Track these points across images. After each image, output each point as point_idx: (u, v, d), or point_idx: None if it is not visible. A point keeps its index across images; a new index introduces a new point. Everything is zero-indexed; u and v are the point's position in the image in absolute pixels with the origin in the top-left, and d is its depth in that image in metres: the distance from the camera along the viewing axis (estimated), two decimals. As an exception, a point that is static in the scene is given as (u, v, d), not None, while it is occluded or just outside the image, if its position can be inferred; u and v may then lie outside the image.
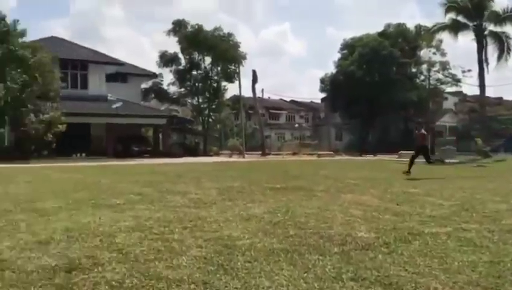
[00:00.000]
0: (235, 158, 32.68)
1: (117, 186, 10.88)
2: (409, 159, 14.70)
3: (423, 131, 15.62)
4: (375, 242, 4.80)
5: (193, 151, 36.31)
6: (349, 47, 50.68)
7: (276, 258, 4.17)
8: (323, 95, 57.53)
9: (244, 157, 33.08)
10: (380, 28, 51.47)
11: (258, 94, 44.67)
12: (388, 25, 51.67)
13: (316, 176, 14.08)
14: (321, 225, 5.73)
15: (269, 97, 61.20)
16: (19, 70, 25.38)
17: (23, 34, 26.76)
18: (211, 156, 35.95)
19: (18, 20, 26.68)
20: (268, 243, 4.73)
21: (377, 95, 45.00)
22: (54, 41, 33.39)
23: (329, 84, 51.97)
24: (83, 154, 29.46)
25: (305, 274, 3.67)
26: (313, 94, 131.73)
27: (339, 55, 52.73)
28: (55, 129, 26.47)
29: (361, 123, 49.10)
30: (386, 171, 16.67)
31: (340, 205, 7.50)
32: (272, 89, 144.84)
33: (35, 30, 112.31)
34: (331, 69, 55.94)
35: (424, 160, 15.22)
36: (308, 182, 11.73)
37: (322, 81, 54.38)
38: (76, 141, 29.60)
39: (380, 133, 50.73)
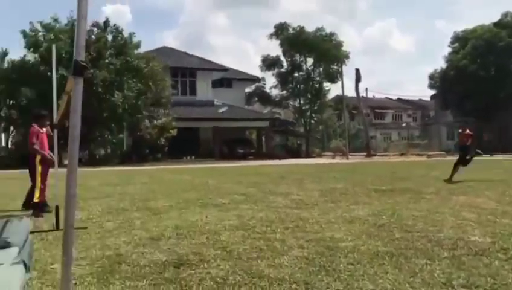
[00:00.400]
0: (338, 160, 32.23)
1: (223, 186, 11.27)
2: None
3: (468, 131, 13.46)
4: (490, 247, 4.42)
5: (295, 153, 36.50)
6: (461, 40, 47.41)
7: (381, 261, 4.02)
8: (432, 92, 54.52)
9: (347, 158, 32.47)
10: (496, 18, 47.51)
11: (362, 93, 43.68)
12: (505, 14, 47.48)
13: (426, 178, 13.37)
14: (430, 228, 5.41)
15: (374, 96, 59.44)
16: (134, 79, 27.41)
17: (138, 46, 28.92)
18: (313, 157, 35.82)
19: (134, 33, 28.93)
20: (373, 246, 4.58)
21: (493, 90, 41.58)
22: (165, 51, 35.59)
23: (440, 81, 49.06)
24: (192, 157, 30.98)
25: (412, 279, 3.49)
26: (422, 92, 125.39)
27: (449, 50, 49.60)
28: (167, 134, 28.18)
29: (476, 121, 45.71)
30: (504, 173, 15.32)
31: (452, 208, 7.04)
32: (376, 87, 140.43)
33: (148, 41, 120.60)
34: (441, 64, 52.85)
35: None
36: (416, 184, 11.18)
37: (431, 77, 51.51)
38: (186, 145, 31.23)
39: (497, 131, 46.81)
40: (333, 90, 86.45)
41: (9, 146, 28.48)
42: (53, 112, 6.62)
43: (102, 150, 28.00)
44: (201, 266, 3.94)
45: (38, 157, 7.37)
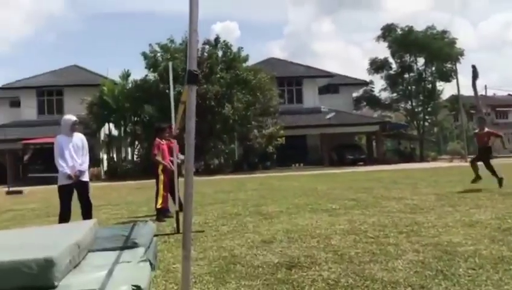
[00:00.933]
0: (455, 163, 30.23)
1: (332, 192, 11.20)
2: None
3: (487, 129, 11.08)
4: None
5: (408, 157, 34.93)
6: None
7: (506, 266, 3.75)
8: None
9: (466, 161, 30.28)
10: None
11: (481, 91, 40.61)
12: None
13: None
14: None
15: (494, 94, 54.92)
16: (243, 91, 28.37)
17: (246, 59, 29.92)
18: (428, 161, 33.95)
19: (242, 48, 29.98)
20: (497, 251, 4.28)
21: None
22: (271, 62, 36.37)
23: None
24: (301, 164, 31.12)
25: (543, 286, 3.21)
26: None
27: None
28: (275, 142, 28.68)
29: None
30: None
31: None
32: (497, 84, 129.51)
33: (256, 54, 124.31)
34: None
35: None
36: (547, 186, 10.13)
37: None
38: (294, 152, 31.49)
39: None
40: (447, 89, 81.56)
41: (135, 159, 30.97)
42: (172, 125, 7.16)
43: (216, 160, 29.29)
44: (313, 268, 3.99)
45: (160, 167, 7.98)
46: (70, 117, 6.34)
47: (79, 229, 4.43)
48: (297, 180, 17.13)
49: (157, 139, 8.19)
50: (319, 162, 30.92)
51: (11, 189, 19.55)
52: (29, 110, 33.55)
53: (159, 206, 7.79)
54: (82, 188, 6.20)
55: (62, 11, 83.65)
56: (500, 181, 10.29)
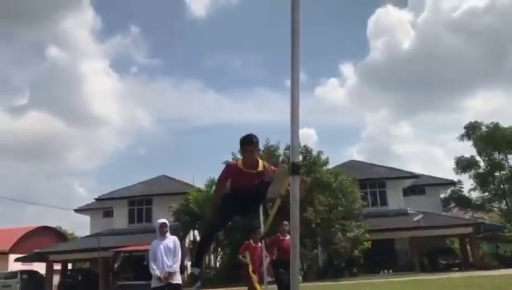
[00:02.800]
0: None
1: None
2: None
3: None
4: None
5: (510, 262, 31.86)
6: None
7: None
8: None
9: None
10: None
11: None
12: None
13: None
14: None
15: None
16: (325, 194, 28.33)
17: (326, 162, 30.29)
18: (536, 266, 30.70)
19: (322, 152, 30.54)
20: None
21: None
22: (351, 165, 36.39)
23: None
24: (390, 270, 29.47)
25: None
26: None
27: None
28: (361, 246, 27.67)
29: None
30: None
31: None
32: None
33: (333, 158, 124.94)
34: None
35: None
36: None
37: None
38: (382, 257, 30.04)
39: None
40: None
41: (217, 265, 31.13)
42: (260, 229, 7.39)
43: (300, 265, 28.68)
44: None
45: (250, 268, 8.06)
46: (159, 220, 6.78)
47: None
48: (389, 288, 16.22)
49: (248, 241, 8.36)
50: (409, 268, 29.07)
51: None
52: (120, 219, 35.57)
53: None
54: None
55: (150, 128, 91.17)
56: None
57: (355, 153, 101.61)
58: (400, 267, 29.42)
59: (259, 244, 8.17)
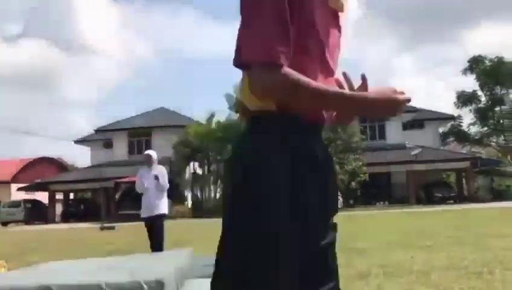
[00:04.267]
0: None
1: (424, 230, 10.71)
2: None
3: None
4: None
5: (503, 196, 32.49)
6: None
7: None
8: None
9: None
10: None
11: None
12: None
13: None
14: None
15: None
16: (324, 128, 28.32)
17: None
18: (528, 199, 31.35)
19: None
20: None
21: None
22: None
23: None
24: (386, 202, 30.09)
25: None
26: None
27: None
28: (358, 178, 28.08)
29: None
30: None
31: None
32: None
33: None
34: None
35: None
36: None
37: None
38: (378, 190, 30.58)
39: None
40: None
41: (217, 197, 31.71)
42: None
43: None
44: (415, 302, 3.84)
45: None
46: (146, 151, 6.96)
47: (179, 256, 4.64)
48: (384, 218, 16.59)
49: None
50: (405, 201, 29.68)
51: (104, 225, 20.75)
52: (121, 150, 35.79)
53: None
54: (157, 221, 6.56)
55: (151, 58, 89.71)
56: None
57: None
58: (396, 200, 30.02)
59: None
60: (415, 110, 35.17)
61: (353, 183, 27.93)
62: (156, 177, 6.55)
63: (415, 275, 5.00)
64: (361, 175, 28.08)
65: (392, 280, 4.76)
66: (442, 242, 7.85)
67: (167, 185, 6.71)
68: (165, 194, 6.76)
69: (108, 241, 12.59)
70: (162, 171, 6.76)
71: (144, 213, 6.68)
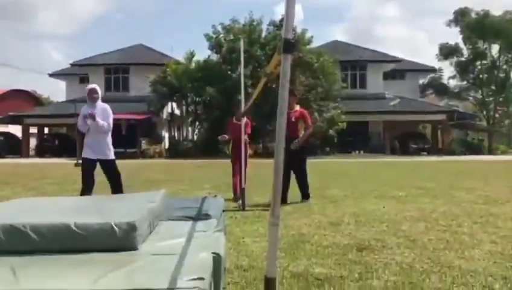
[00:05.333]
0: (529, 157, 28.54)
1: (398, 180, 10.91)
2: None
3: None
4: None
5: (476, 149, 33.31)
6: None
7: None
8: None
9: (541, 156, 28.50)
10: None
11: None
12: None
13: None
14: None
15: None
16: (305, 74, 28.07)
17: (310, 41, 29.56)
18: (497, 154, 32.25)
19: (306, 29, 29.68)
20: None
21: None
22: (335, 45, 35.68)
23: None
24: (361, 151, 30.55)
25: None
26: None
27: None
28: (336, 127, 28.24)
29: None
30: None
31: None
32: None
33: (318, 37, 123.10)
34: None
35: None
36: None
37: None
38: (355, 139, 30.90)
39: None
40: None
41: (195, 138, 31.64)
42: (241, 105, 7.21)
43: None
44: (385, 252, 3.90)
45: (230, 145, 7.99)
46: (89, 86, 6.36)
47: (151, 198, 4.56)
48: (358, 167, 16.85)
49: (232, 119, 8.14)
50: (381, 150, 30.18)
51: (79, 162, 20.56)
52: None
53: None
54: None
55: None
56: None
57: (340, 34, 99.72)
58: (372, 149, 30.46)
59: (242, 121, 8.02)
60: (397, 60, 35.09)
61: (331, 131, 28.07)
62: (92, 116, 5.90)
63: (386, 224, 5.09)
64: (340, 123, 28.21)
65: (363, 229, 4.83)
66: (414, 193, 8.00)
67: (110, 126, 6.08)
68: (109, 136, 6.16)
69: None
70: (106, 109, 6.14)
71: (86, 153, 6.08)
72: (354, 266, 3.45)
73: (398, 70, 36.64)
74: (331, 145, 29.16)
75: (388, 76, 35.78)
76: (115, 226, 2.95)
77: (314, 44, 30.50)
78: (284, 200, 6.82)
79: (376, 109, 31.03)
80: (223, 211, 5.85)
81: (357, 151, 30.68)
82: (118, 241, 2.84)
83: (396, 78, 37.02)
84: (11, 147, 32.64)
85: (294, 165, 6.79)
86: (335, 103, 29.03)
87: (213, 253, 2.75)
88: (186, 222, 3.79)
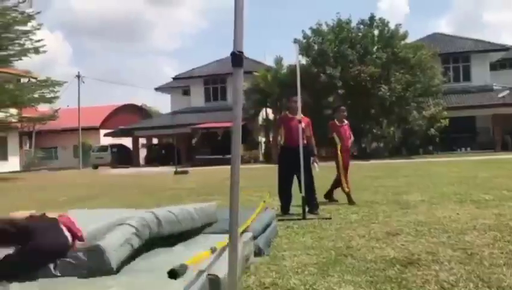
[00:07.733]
0: None
1: (493, 181, 9.94)
2: None
3: None
4: None
5: None
6: None
7: None
8: None
9: None
10: None
11: None
12: None
13: None
14: None
15: None
16: (402, 71, 26.82)
17: (405, 36, 28.19)
18: None
19: (400, 24, 28.37)
20: None
21: None
22: (435, 38, 33.58)
23: None
24: (468, 148, 28.40)
25: None
26: None
27: None
28: (437, 124, 26.59)
29: None
30: None
31: None
32: None
33: (422, 30, 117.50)
34: None
35: None
36: None
37: None
38: (460, 135, 28.84)
39: None
40: None
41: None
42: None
43: (374, 144, 28.36)
44: (432, 267, 3.56)
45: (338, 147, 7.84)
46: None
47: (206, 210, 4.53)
48: (458, 167, 15.64)
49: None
50: (490, 147, 27.75)
51: (178, 169, 21.66)
52: (197, 97, 36.71)
53: (346, 189, 7.57)
54: None
55: (222, 4, 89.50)
56: None
57: (443, 25, 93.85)
58: (480, 146, 28.19)
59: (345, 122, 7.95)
60: (505, 48, 32.14)
61: (432, 130, 26.48)
62: None
63: (449, 235, 4.65)
64: (442, 121, 26.51)
65: (420, 240, 4.45)
66: (502, 197, 7.20)
67: None
68: None
69: (172, 186, 13.13)
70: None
71: None
72: (385, 285, 3.19)
73: (508, 59, 33.51)
74: (433, 144, 27.54)
75: (497, 66, 32.90)
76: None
77: (415, 37, 29.06)
78: (286, 210, 6.57)
79: (483, 102, 28.65)
80: (281, 220, 5.80)
81: (463, 149, 28.57)
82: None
83: (507, 68, 33.88)
84: (124, 157, 35.53)
85: (305, 167, 6.49)
86: (435, 99, 27.38)
87: (209, 275, 2.70)
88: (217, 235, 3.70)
